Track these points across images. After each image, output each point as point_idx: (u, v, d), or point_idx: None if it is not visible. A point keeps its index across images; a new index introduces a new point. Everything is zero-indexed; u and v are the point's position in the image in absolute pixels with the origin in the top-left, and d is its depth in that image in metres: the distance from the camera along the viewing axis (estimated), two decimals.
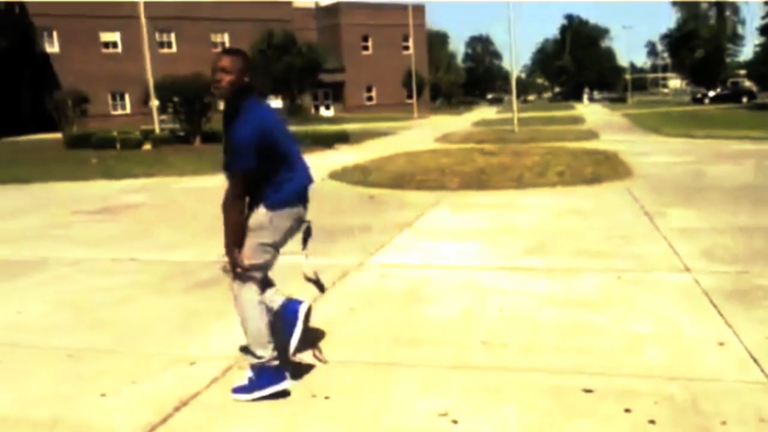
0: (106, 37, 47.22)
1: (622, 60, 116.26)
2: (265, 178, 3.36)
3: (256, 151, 3.23)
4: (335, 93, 62.67)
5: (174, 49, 49.27)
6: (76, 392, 3.56)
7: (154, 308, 5.03)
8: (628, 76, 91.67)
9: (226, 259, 3.42)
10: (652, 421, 3.06)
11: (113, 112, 46.66)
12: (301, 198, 3.50)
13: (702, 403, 3.21)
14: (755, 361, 3.68)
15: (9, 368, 3.94)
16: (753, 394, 3.31)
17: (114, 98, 47.61)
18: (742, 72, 79.79)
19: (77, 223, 8.92)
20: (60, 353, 4.13)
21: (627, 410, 3.17)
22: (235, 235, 3.35)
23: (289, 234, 3.51)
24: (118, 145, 22.01)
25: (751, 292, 4.90)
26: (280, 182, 3.39)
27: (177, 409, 3.35)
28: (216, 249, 6.89)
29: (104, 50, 47.21)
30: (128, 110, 47.01)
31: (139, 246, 7.30)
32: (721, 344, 3.94)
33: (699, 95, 61.06)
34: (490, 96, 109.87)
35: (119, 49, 47.29)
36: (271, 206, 3.38)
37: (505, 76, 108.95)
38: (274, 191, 3.39)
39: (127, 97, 47.27)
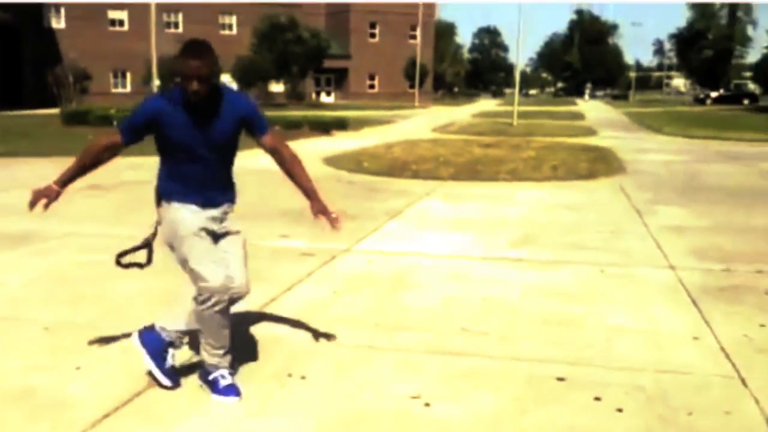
0: (113, 14, 47.03)
1: (629, 58, 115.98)
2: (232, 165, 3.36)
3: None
4: (338, 79, 62.52)
5: (180, 29, 49.09)
6: (52, 365, 3.58)
7: (139, 285, 5.02)
8: (632, 74, 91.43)
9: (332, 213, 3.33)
10: (619, 410, 3.09)
11: (113, 90, 46.56)
12: None
13: (671, 395, 3.24)
14: (727, 356, 3.71)
15: None
16: (721, 388, 3.33)
17: (116, 76, 47.48)
18: (748, 74, 79.51)
19: (69, 199, 8.89)
20: (37, 326, 4.14)
21: (597, 398, 3.20)
22: None
23: None
24: (115, 123, 21.96)
25: (732, 290, 4.92)
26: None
27: (151, 385, 3.36)
28: None
29: (111, 28, 47.03)
30: (129, 89, 46.90)
31: (125, 223, 7.30)
32: (696, 339, 3.97)
33: (701, 96, 61.02)
34: (493, 88, 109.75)
35: (126, 28, 47.10)
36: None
37: (510, 68, 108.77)
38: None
39: (128, 75, 47.16)
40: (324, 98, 60.46)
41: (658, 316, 4.38)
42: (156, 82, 26.04)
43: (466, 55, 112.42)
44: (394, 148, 15.47)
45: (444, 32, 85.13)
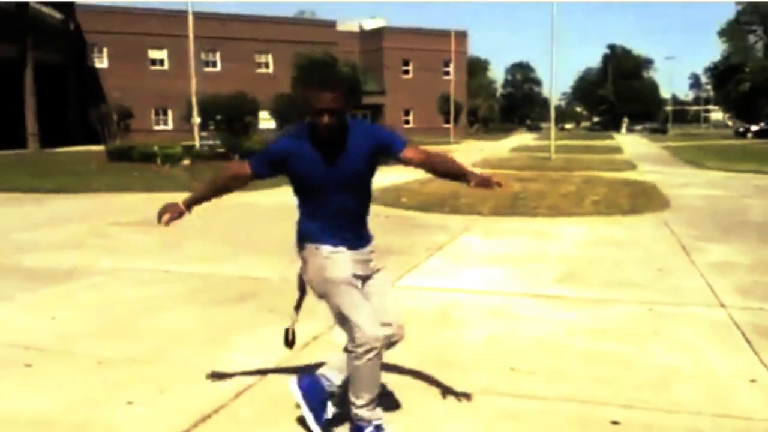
0: (153, 54, 48.35)
1: (665, 91, 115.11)
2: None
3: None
4: (374, 115, 63.06)
5: (218, 68, 50.23)
6: (104, 399, 3.62)
7: (185, 320, 5.10)
8: (669, 108, 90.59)
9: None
10: None
11: (156, 128, 47.63)
12: None
13: None
14: None
15: (40, 372, 4.02)
16: None
17: (157, 114, 48.63)
18: None
19: (115, 234, 9.11)
20: (90, 360, 4.21)
21: None
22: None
23: None
24: (158, 160, 22.43)
25: None
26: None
27: (203, 420, 3.38)
28: (249, 264, 7.02)
29: (151, 67, 48.33)
30: (170, 126, 47.95)
31: (174, 258, 7.43)
32: (753, 381, 3.86)
33: (742, 129, 60.04)
34: (528, 122, 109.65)
35: (166, 66, 48.36)
36: None
37: (544, 102, 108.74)
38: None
39: (170, 113, 48.24)
40: None
41: (712, 357, 4.27)
42: (196, 120, 26.55)
43: (499, 90, 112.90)
44: (432, 183, 15.47)
45: (477, 67, 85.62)
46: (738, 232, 9.15)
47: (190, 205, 3.23)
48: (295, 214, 3.14)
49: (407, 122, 65.26)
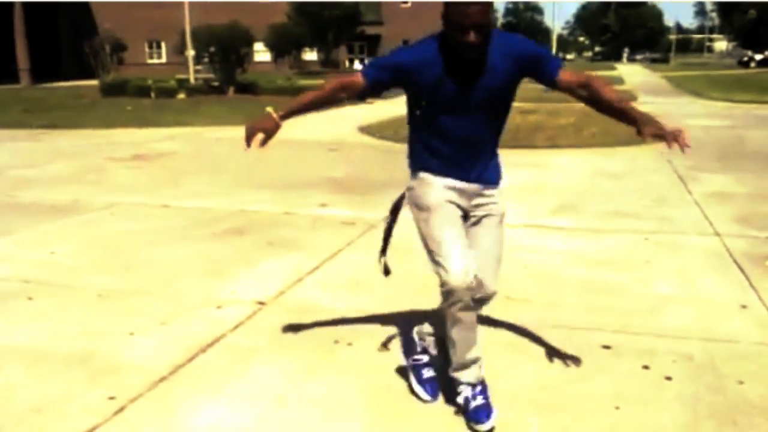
0: None
1: (669, 20, 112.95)
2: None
3: None
4: (371, 47, 62.00)
5: None
6: (106, 330, 3.68)
7: (184, 253, 5.14)
8: (672, 37, 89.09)
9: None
10: (668, 378, 3.08)
11: (149, 61, 46.95)
12: None
13: (720, 363, 3.22)
14: None
15: (42, 305, 4.08)
16: None
17: (151, 47, 47.80)
18: None
19: (111, 169, 9.09)
20: (91, 293, 4.26)
21: (645, 367, 3.19)
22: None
23: None
24: (152, 94, 22.17)
25: None
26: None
27: (203, 350, 3.44)
28: (246, 198, 7.04)
29: None
30: (164, 59, 47.21)
31: (170, 193, 7.43)
32: (744, 307, 3.93)
33: (745, 58, 59.10)
34: None
35: None
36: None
37: (546, 32, 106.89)
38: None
39: (163, 45, 47.41)
40: (358, 66, 60.12)
41: (705, 284, 4.34)
42: (191, 52, 26.06)
43: (500, 19, 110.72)
44: None
45: None
46: (737, 162, 9.14)
47: (286, 116, 2.69)
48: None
49: None
